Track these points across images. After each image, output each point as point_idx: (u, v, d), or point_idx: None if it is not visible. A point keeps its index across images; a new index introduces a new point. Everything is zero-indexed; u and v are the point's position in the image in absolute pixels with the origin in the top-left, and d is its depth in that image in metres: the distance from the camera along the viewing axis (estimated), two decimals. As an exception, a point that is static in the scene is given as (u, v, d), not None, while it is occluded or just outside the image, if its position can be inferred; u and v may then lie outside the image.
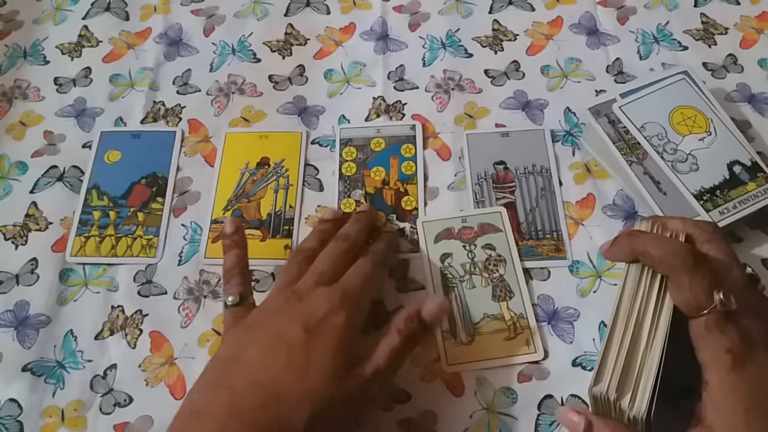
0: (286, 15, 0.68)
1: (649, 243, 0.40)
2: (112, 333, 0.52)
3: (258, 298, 0.52)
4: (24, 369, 0.50)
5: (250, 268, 0.54)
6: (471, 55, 0.63)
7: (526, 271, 0.52)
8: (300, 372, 0.38)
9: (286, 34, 0.66)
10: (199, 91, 0.63)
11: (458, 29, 0.65)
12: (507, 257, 0.52)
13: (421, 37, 0.65)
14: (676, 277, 0.38)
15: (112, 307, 0.53)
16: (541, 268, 0.52)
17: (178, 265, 0.54)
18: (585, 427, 0.40)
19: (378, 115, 0.60)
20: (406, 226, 0.54)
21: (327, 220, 0.50)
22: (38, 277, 0.54)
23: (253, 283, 0.53)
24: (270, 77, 0.64)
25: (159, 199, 0.57)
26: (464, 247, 0.53)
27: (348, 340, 0.41)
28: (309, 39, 0.66)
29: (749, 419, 0.35)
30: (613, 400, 0.38)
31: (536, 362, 0.48)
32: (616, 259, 0.45)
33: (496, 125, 0.59)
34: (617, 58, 0.62)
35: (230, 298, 0.45)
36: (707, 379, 0.36)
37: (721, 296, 0.36)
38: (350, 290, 0.43)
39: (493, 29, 0.65)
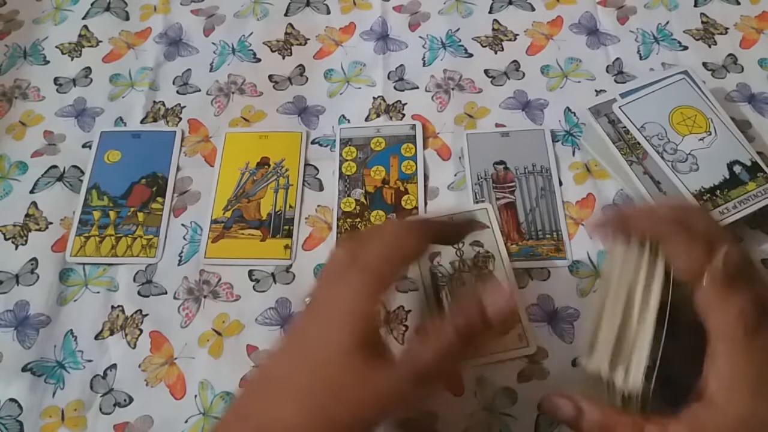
0: (286, 15, 0.68)
1: (641, 213, 0.39)
2: (112, 333, 0.52)
3: (257, 298, 0.52)
4: (24, 369, 0.50)
5: (250, 268, 0.54)
6: (471, 55, 0.63)
7: (526, 271, 0.52)
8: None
9: (286, 34, 0.66)
10: (199, 91, 0.63)
11: (458, 29, 0.65)
12: (495, 253, 0.52)
13: (421, 37, 0.65)
14: (673, 241, 0.35)
15: (112, 307, 0.53)
16: (541, 268, 0.52)
17: (178, 265, 0.54)
18: (573, 413, 0.36)
19: (378, 115, 0.60)
20: None
21: None
22: (38, 277, 0.54)
23: (252, 284, 0.53)
24: (270, 77, 0.64)
25: (159, 199, 0.57)
26: (452, 245, 0.53)
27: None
28: (309, 39, 0.66)
29: (756, 395, 0.32)
30: (605, 376, 0.36)
31: (536, 362, 0.48)
32: (605, 236, 0.40)
33: (496, 125, 0.59)
34: (617, 58, 0.62)
35: None
36: (714, 349, 0.33)
37: (724, 251, 0.33)
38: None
39: (493, 29, 0.65)
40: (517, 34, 0.64)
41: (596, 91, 0.60)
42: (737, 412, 0.32)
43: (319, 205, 0.56)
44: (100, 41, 0.67)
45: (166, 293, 0.53)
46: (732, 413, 0.32)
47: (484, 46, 0.64)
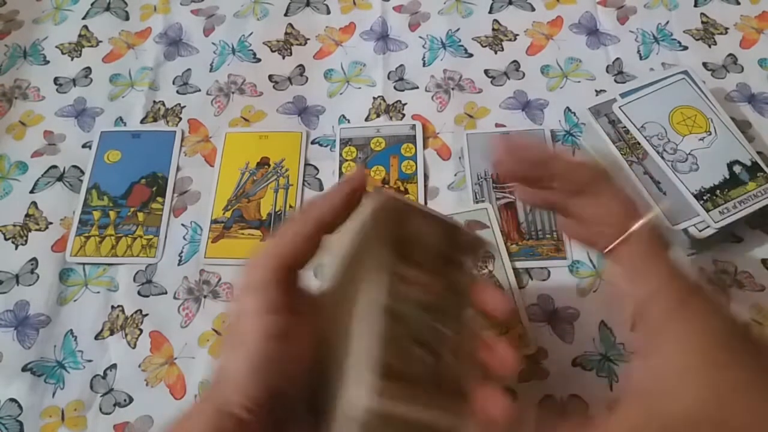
0: (286, 15, 0.68)
1: (560, 156, 0.34)
2: (112, 333, 0.52)
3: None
4: (24, 369, 0.50)
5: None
6: (471, 55, 0.63)
7: (526, 271, 0.52)
8: None
9: (286, 34, 0.66)
10: (199, 90, 0.63)
11: (458, 29, 0.65)
12: (495, 253, 0.52)
13: (421, 37, 0.65)
14: (598, 189, 0.32)
15: (112, 307, 0.53)
16: (541, 268, 0.52)
17: (178, 265, 0.54)
18: None
19: (378, 115, 0.60)
20: None
21: None
22: (38, 277, 0.54)
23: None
24: (270, 77, 0.64)
25: (159, 199, 0.57)
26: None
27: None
28: (309, 39, 0.66)
29: (690, 356, 0.29)
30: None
31: (536, 362, 0.48)
32: (512, 171, 0.35)
33: (496, 125, 0.59)
34: (617, 58, 0.62)
35: None
36: (647, 316, 0.30)
37: (652, 214, 0.31)
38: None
39: (493, 29, 0.65)
40: (517, 34, 0.64)
41: (596, 91, 0.60)
42: (692, 392, 0.29)
43: (319, 205, 0.56)
44: (100, 41, 0.67)
45: (166, 293, 0.53)
46: (686, 394, 0.29)
47: (484, 46, 0.64)
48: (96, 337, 0.51)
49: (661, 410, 0.28)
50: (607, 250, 0.33)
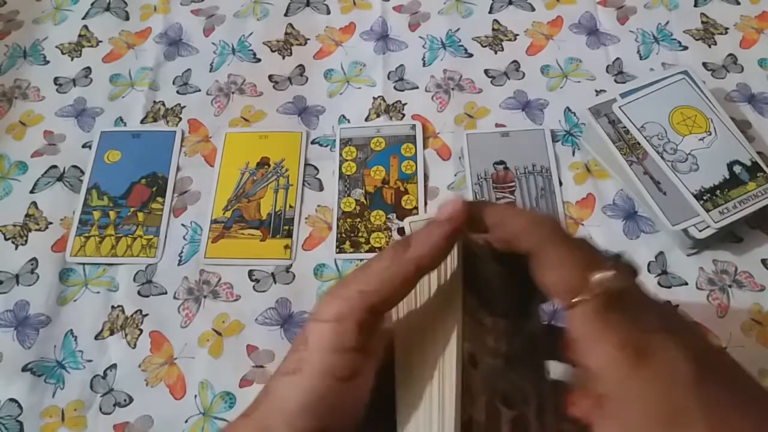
0: (286, 15, 0.68)
1: (508, 212, 0.30)
2: (112, 333, 0.52)
3: (256, 298, 0.52)
4: (24, 369, 0.50)
5: (250, 268, 0.54)
6: (471, 55, 0.63)
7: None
8: None
9: (286, 34, 0.66)
10: (199, 91, 0.63)
11: (458, 29, 0.65)
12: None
13: (421, 37, 0.65)
14: (543, 252, 0.28)
15: (112, 307, 0.53)
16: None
17: (178, 265, 0.54)
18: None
19: (378, 115, 0.60)
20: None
21: None
22: (38, 277, 0.54)
23: (252, 284, 0.53)
24: (270, 77, 0.64)
25: (159, 199, 0.57)
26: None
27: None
28: (309, 39, 0.66)
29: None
30: None
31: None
32: (451, 230, 0.30)
33: (496, 125, 0.59)
34: (617, 58, 0.62)
35: None
36: (601, 387, 0.27)
37: (603, 274, 0.27)
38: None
39: (493, 29, 0.65)
40: (517, 34, 0.64)
41: (596, 91, 0.60)
42: None
43: (319, 205, 0.56)
44: (100, 41, 0.67)
45: (166, 293, 0.53)
46: None
47: (484, 46, 0.64)
48: (96, 337, 0.51)
49: None
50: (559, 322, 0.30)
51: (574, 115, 0.59)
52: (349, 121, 0.60)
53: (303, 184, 0.57)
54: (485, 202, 0.33)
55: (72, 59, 0.66)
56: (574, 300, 0.27)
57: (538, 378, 0.31)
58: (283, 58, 0.65)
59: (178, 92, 0.63)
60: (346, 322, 0.28)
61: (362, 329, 0.28)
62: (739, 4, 0.65)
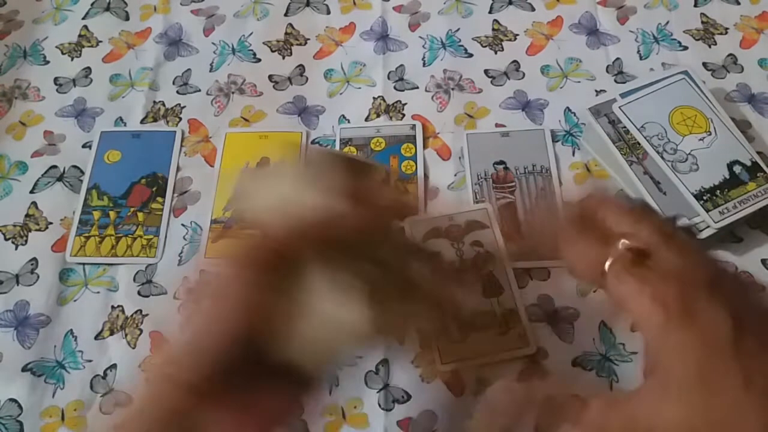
0: (286, 15, 0.68)
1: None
2: (112, 333, 0.52)
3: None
4: (24, 369, 0.50)
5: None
6: (471, 55, 0.63)
7: (526, 271, 0.52)
8: None
9: (286, 34, 0.66)
10: (199, 91, 0.63)
11: (458, 29, 0.65)
12: (495, 253, 0.52)
13: (421, 37, 0.65)
14: (571, 240, 0.32)
15: (112, 307, 0.53)
16: (541, 268, 0.52)
17: (178, 265, 0.54)
18: None
19: (378, 115, 0.60)
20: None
21: None
22: (38, 277, 0.54)
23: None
24: (270, 77, 0.64)
25: (159, 199, 0.57)
26: (452, 245, 0.53)
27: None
28: (309, 39, 0.66)
29: (683, 396, 0.26)
30: None
31: (536, 362, 0.48)
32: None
33: (496, 125, 0.59)
34: (617, 58, 0.62)
35: None
36: (645, 342, 0.28)
37: (620, 243, 0.29)
38: None
39: (493, 29, 0.65)
40: (517, 34, 0.64)
41: (596, 91, 0.60)
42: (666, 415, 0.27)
43: (319, 205, 0.56)
44: (100, 41, 0.67)
45: (166, 293, 0.53)
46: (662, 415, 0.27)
47: (484, 46, 0.64)
48: (96, 337, 0.51)
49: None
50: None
51: (574, 115, 0.59)
52: (349, 121, 0.60)
53: (303, 184, 0.57)
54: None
55: (72, 59, 0.66)
56: (606, 265, 0.29)
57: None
58: (283, 58, 0.65)
59: (178, 92, 0.63)
60: (255, 264, 0.31)
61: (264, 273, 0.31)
62: (739, 4, 0.65)
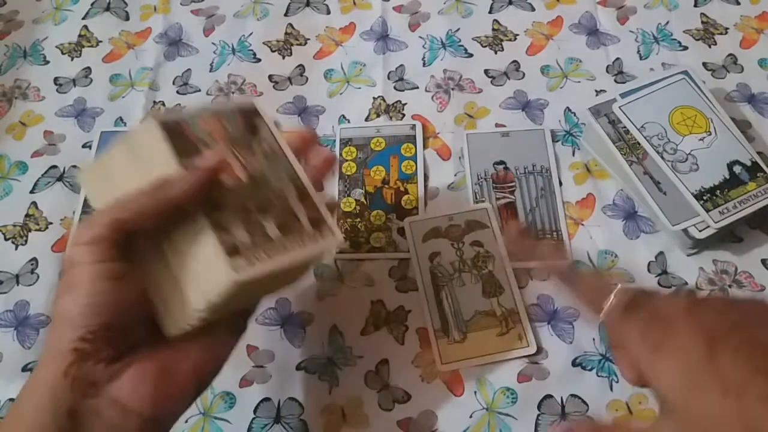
0: (286, 15, 0.68)
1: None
2: (112, 333, 0.52)
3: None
4: (24, 369, 0.50)
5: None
6: (471, 55, 0.63)
7: (526, 271, 0.52)
8: None
9: (286, 34, 0.66)
10: (199, 91, 0.63)
11: (458, 29, 0.65)
12: (495, 253, 0.52)
13: (421, 37, 0.65)
14: (580, 288, 0.40)
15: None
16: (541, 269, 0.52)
17: (178, 265, 0.54)
18: None
19: (378, 115, 0.60)
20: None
21: None
22: (38, 277, 0.54)
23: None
24: (270, 77, 0.64)
25: (159, 199, 0.57)
26: (452, 245, 0.53)
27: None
28: (309, 39, 0.66)
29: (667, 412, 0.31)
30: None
31: (536, 362, 0.48)
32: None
33: (496, 125, 0.59)
34: (617, 58, 0.62)
35: None
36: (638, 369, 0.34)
37: (616, 290, 0.36)
38: None
39: (493, 29, 0.65)
40: (517, 34, 0.64)
41: (596, 91, 0.60)
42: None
43: (319, 205, 0.56)
44: (100, 41, 0.67)
45: (166, 293, 0.53)
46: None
47: (484, 46, 0.64)
48: (96, 337, 0.51)
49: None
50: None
51: (574, 115, 0.59)
52: (349, 121, 0.60)
53: (303, 184, 0.57)
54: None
55: (72, 59, 0.66)
56: (604, 305, 0.36)
57: (285, 177, 0.38)
58: (283, 58, 0.65)
59: (178, 92, 0.63)
60: (101, 244, 0.32)
61: (118, 245, 0.32)
62: (739, 4, 0.65)
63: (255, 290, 0.38)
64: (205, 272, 0.33)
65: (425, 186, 0.56)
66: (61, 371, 0.31)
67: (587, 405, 0.46)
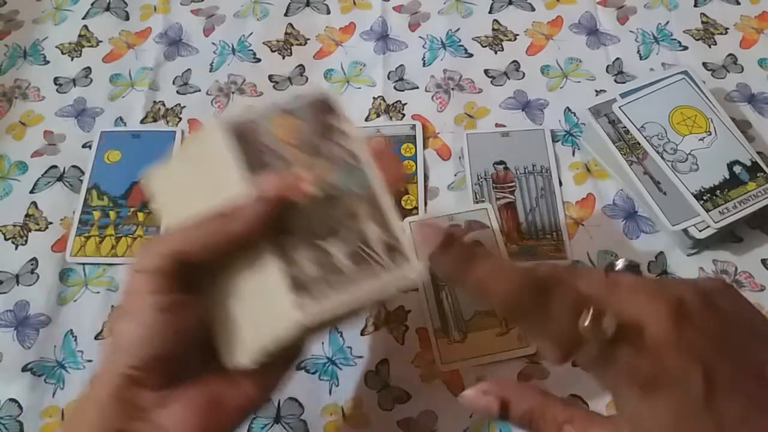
0: (286, 15, 0.68)
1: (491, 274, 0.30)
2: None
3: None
4: (24, 369, 0.50)
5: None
6: (471, 55, 0.63)
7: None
8: None
9: (286, 34, 0.66)
10: (199, 91, 0.63)
11: (458, 29, 0.65)
12: (495, 253, 0.52)
13: (421, 37, 0.65)
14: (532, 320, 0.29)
15: (112, 307, 0.53)
16: (541, 268, 0.52)
17: (178, 265, 0.54)
18: (497, 408, 0.30)
19: (378, 115, 0.60)
20: None
21: None
22: (38, 277, 0.54)
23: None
24: (270, 77, 0.64)
25: (159, 199, 0.57)
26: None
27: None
28: (309, 39, 0.66)
29: None
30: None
31: (536, 362, 0.48)
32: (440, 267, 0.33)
33: (496, 125, 0.59)
34: (617, 58, 0.62)
35: None
36: (617, 406, 0.29)
37: (589, 321, 0.27)
38: None
39: (493, 29, 0.65)
40: (517, 34, 0.64)
41: (596, 91, 0.60)
42: None
43: (319, 205, 0.56)
44: (100, 41, 0.67)
45: (166, 293, 0.53)
46: None
47: (484, 46, 0.64)
48: (96, 338, 0.51)
49: None
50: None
51: (574, 115, 0.59)
52: (349, 121, 0.60)
53: (303, 184, 0.57)
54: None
55: (72, 59, 0.66)
56: (576, 352, 0.28)
57: (359, 191, 0.34)
58: (283, 58, 0.65)
59: (178, 92, 0.63)
60: (160, 275, 0.32)
61: (177, 277, 0.32)
62: (739, 4, 0.65)
63: (322, 328, 0.35)
64: (268, 311, 0.31)
65: (425, 186, 0.56)
66: (112, 393, 0.31)
67: (587, 404, 0.46)
